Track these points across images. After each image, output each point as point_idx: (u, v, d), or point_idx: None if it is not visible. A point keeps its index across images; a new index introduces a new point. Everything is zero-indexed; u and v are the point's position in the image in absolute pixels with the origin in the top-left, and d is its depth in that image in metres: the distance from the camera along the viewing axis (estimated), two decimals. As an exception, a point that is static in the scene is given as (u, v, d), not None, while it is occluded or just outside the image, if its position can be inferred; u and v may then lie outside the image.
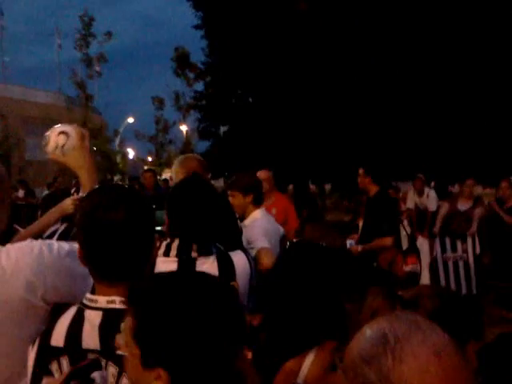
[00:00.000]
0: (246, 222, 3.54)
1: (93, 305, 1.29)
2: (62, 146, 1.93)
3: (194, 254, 1.92)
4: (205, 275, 1.12)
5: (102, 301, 1.29)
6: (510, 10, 13.32)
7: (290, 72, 13.80)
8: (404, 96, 13.57)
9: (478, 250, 5.97)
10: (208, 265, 1.92)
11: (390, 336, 0.84)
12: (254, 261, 3.27)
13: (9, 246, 1.51)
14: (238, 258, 2.07)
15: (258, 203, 3.57)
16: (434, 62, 13.53)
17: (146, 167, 7.54)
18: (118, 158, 27.58)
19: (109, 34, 26.12)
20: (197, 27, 17.01)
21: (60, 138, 1.94)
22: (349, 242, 5.17)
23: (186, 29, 18.80)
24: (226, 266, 1.97)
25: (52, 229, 2.29)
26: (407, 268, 5.48)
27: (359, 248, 4.84)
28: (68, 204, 2.15)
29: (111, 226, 1.28)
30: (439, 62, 13.52)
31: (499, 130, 13.60)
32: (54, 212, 2.19)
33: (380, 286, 1.67)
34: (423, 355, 0.81)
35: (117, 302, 1.28)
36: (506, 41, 13.38)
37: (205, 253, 1.95)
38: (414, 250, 5.65)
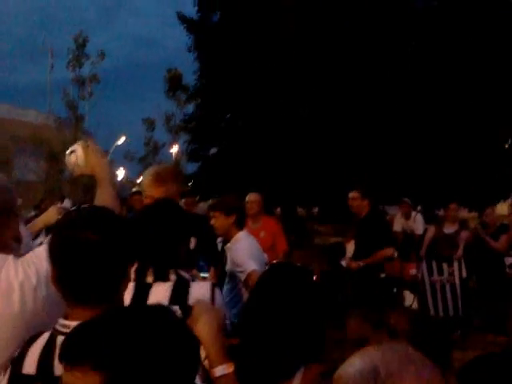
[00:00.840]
0: (230, 244, 3.52)
1: (65, 330, 1.23)
2: (76, 163, 2.02)
3: (149, 279, 1.87)
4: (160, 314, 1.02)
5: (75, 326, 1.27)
6: (492, 34, 13.62)
7: (278, 97, 13.95)
8: (390, 121, 13.74)
9: (464, 274, 6.01)
10: (161, 291, 1.84)
11: (382, 370, 0.81)
12: (234, 288, 3.29)
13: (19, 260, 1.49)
14: (198, 288, 1.91)
15: (240, 225, 3.58)
16: (418, 90, 13.74)
17: (134, 189, 7.51)
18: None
19: (102, 54, 26.29)
20: (190, 49, 17.16)
21: (71, 158, 2.02)
22: (343, 263, 5.37)
23: (180, 51, 18.98)
24: (180, 294, 1.84)
25: (37, 241, 2.30)
26: (412, 272, 6.19)
27: (360, 263, 4.99)
28: (52, 212, 2.15)
29: (83, 245, 1.24)
30: (422, 90, 13.73)
31: (484, 156, 13.80)
32: (38, 221, 2.20)
33: (360, 308, 1.67)
34: None
35: None
36: (486, 69, 13.66)
37: (161, 278, 1.87)
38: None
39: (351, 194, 5.23)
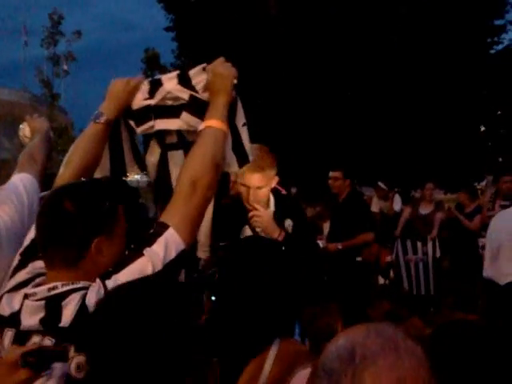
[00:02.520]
0: None
1: (33, 298, 1.30)
2: (25, 135, 2.16)
3: None
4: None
5: (43, 291, 1.29)
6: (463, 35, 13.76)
7: (259, 77, 13.86)
8: (367, 104, 13.79)
9: (438, 254, 6.12)
10: None
11: (358, 352, 0.76)
12: None
13: None
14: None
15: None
16: (395, 75, 13.80)
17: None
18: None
19: (78, 32, 25.70)
20: (167, 29, 16.93)
21: (20, 132, 2.20)
22: (320, 243, 5.36)
23: (157, 31, 18.65)
24: None
25: None
26: (388, 259, 6.27)
27: (339, 246, 4.96)
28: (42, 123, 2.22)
29: (58, 212, 1.33)
30: (400, 74, 13.80)
31: (460, 139, 13.96)
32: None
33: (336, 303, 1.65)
34: (386, 381, 0.73)
35: (59, 286, 1.28)
36: (462, 56, 13.79)
37: None
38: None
39: (333, 174, 5.14)
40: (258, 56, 13.95)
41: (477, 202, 6.75)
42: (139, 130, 1.86)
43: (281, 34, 14.06)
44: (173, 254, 1.38)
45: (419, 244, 6.13)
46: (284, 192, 2.94)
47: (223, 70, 1.74)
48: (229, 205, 3.09)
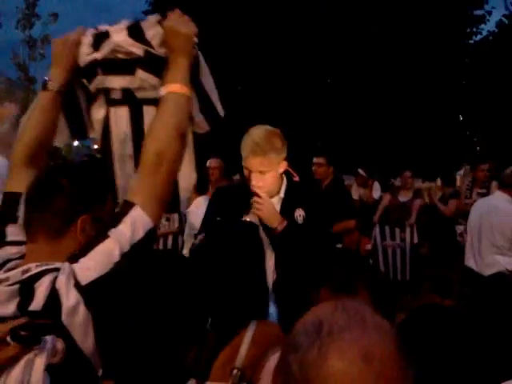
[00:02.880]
0: (190, 208, 3.59)
1: (6, 283, 1.26)
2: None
3: None
4: None
5: (16, 274, 1.26)
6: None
7: (239, 63, 13.78)
8: (347, 93, 13.84)
9: (415, 240, 6.19)
10: None
11: (325, 326, 0.77)
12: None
13: None
14: None
15: (200, 190, 3.63)
16: (375, 64, 13.86)
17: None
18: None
19: (54, 15, 25.15)
20: (146, 13, 16.68)
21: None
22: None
23: (136, 14, 18.32)
24: None
25: None
26: (368, 247, 6.27)
27: None
28: None
29: (50, 186, 1.36)
30: (380, 64, 13.86)
31: (439, 128, 14.11)
32: None
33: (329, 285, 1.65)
34: (350, 355, 0.73)
35: (32, 268, 1.26)
36: (440, 46, 13.91)
37: None
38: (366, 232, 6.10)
39: (317, 160, 5.15)
40: (238, 42, 13.84)
41: (453, 188, 6.86)
42: (92, 87, 1.72)
43: (262, 21, 13.97)
44: (141, 234, 1.33)
45: (397, 230, 6.21)
46: (297, 178, 2.81)
47: (181, 27, 1.60)
48: (232, 187, 3.04)
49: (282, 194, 2.61)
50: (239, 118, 14.75)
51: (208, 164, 5.08)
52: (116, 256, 1.28)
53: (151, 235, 1.37)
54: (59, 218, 1.34)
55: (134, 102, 1.68)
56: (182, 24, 1.62)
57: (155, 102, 1.62)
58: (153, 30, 1.63)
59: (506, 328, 1.18)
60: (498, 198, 4.17)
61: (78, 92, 1.77)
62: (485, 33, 18.66)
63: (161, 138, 1.44)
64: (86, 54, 1.67)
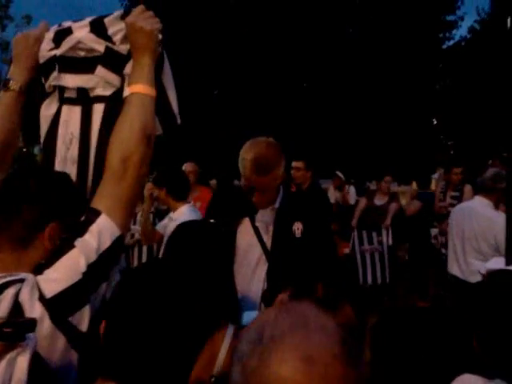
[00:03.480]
0: (174, 215, 3.54)
1: None
2: None
3: None
4: None
5: None
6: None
7: (215, 67, 13.76)
8: (324, 99, 13.94)
9: (390, 242, 6.23)
10: None
11: (267, 333, 0.74)
12: None
13: None
14: None
15: (178, 196, 3.58)
16: (351, 70, 14.01)
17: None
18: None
19: (27, 17, 24.83)
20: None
21: None
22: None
23: (110, 17, 18.24)
24: None
25: None
26: (346, 251, 6.21)
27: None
28: None
29: (16, 191, 1.29)
30: (355, 70, 14.01)
31: (413, 132, 14.30)
32: None
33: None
34: (292, 360, 0.71)
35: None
36: (414, 53, 14.14)
37: None
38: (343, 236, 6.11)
39: (295, 164, 5.11)
40: (215, 45, 13.81)
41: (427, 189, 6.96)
42: (47, 85, 1.60)
43: (238, 25, 13.98)
44: (108, 243, 1.28)
45: (374, 234, 6.23)
46: (293, 189, 2.73)
47: (145, 23, 1.50)
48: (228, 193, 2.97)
49: (276, 205, 2.54)
50: (216, 122, 14.74)
51: (183, 168, 5.03)
52: (82, 267, 1.23)
53: (119, 243, 1.32)
54: (26, 227, 1.27)
55: (87, 103, 1.58)
56: (145, 20, 1.52)
57: (105, 99, 1.55)
58: (115, 26, 1.54)
59: (489, 333, 1.19)
60: (478, 203, 4.13)
61: (36, 93, 1.65)
62: (457, 38, 19.06)
63: (126, 141, 1.37)
64: (47, 50, 1.58)
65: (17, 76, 1.60)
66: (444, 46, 18.45)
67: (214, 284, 1.29)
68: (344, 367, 0.72)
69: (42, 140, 1.63)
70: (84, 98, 1.58)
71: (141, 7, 1.55)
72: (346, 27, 14.60)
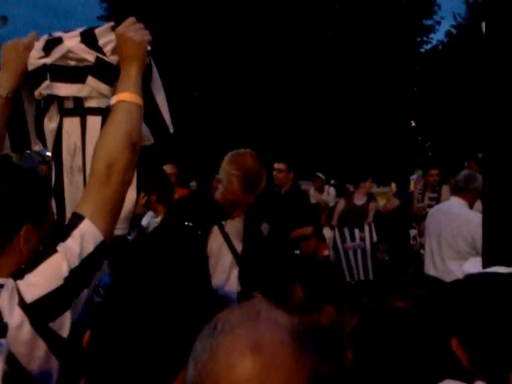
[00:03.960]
0: (158, 220, 3.50)
1: None
2: None
3: None
4: None
5: None
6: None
7: (196, 68, 13.72)
8: (302, 100, 14.00)
9: (375, 238, 6.26)
10: None
11: (219, 326, 0.75)
12: None
13: None
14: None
15: (165, 202, 3.56)
16: (333, 74, 14.11)
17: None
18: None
19: (3, 18, 24.44)
20: (101, 18, 16.47)
21: None
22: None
23: (90, 19, 18.07)
24: None
25: None
26: (325, 253, 6.01)
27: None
28: None
29: None
30: (337, 73, 14.12)
31: (392, 134, 14.46)
32: None
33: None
34: (239, 348, 0.72)
35: None
36: (393, 59, 14.30)
37: None
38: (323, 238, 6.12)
39: (277, 166, 5.07)
40: (196, 47, 13.78)
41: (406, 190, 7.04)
42: (36, 93, 1.62)
43: (219, 26, 13.96)
44: (90, 248, 1.27)
45: (356, 231, 6.25)
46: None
47: (134, 34, 1.53)
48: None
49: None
50: (196, 122, 14.70)
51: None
52: (64, 272, 1.21)
53: (102, 249, 1.31)
54: (0, 232, 1.23)
55: (83, 112, 1.62)
56: (134, 31, 1.55)
57: (99, 111, 1.59)
58: (106, 37, 1.57)
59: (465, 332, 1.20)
60: (453, 203, 4.20)
61: (24, 101, 1.68)
62: (434, 42, 19.36)
63: (111, 148, 1.39)
64: (36, 58, 1.59)
65: (4, 82, 1.60)
66: (422, 50, 18.72)
67: (195, 288, 1.28)
68: (293, 355, 0.72)
69: (51, 151, 1.68)
70: (81, 109, 1.62)
71: (132, 19, 1.57)
72: (326, 31, 14.69)
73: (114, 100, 1.48)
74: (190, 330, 1.09)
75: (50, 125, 1.68)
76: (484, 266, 2.18)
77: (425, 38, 18.62)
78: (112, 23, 1.60)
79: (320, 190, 8.23)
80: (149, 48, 1.56)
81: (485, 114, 2.02)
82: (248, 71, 13.90)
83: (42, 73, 1.58)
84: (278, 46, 13.97)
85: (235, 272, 2.48)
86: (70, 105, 1.64)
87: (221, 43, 13.85)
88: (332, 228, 6.62)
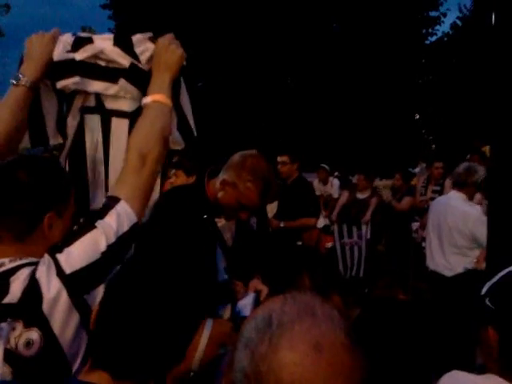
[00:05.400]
0: None
1: None
2: None
3: None
4: None
5: None
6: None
7: (197, 59, 13.67)
8: (308, 93, 13.96)
9: (368, 236, 6.28)
10: None
11: (275, 320, 0.76)
12: None
13: None
14: None
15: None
16: (337, 66, 14.05)
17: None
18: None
19: (6, 6, 24.34)
20: (104, 7, 16.42)
21: None
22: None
23: (93, 8, 18.00)
24: None
25: None
26: (328, 245, 6.22)
27: (281, 224, 4.94)
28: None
29: (11, 183, 1.30)
30: (342, 65, 14.06)
31: (396, 127, 14.42)
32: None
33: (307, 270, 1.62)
34: (301, 346, 0.73)
35: (6, 263, 1.25)
36: (397, 51, 14.23)
37: None
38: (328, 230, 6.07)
39: (280, 159, 5.04)
40: (199, 38, 13.71)
41: (408, 185, 7.01)
42: (59, 84, 1.71)
43: (223, 19, 13.90)
44: (125, 227, 1.36)
45: (354, 228, 6.28)
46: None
47: (176, 47, 1.69)
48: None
49: None
50: (198, 115, 14.65)
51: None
52: (103, 246, 1.29)
53: (135, 230, 1.39)
54: (24, 220, 1.30)
55: (104, 112, 1.76)
56: (176, 45, 1.70)
57: (127, 114, 1.73)
58: (143, 46, 1.70)
59: (461, 326, 1.20)
60: (453, 197, 4.18)
61: (41, 96, 1.76)
62: (440, 34, 19.22)
63: (145, 140, 1.51)
64: (63, 52, 1.68)
65: (28, 72, 1.66)
66: (427, 42, 18.60)
67: (202, 275, 1.28)
68: (350, 355, 0.74)
69: (68, 147, 1.81)
70: (102, 108, 1.76)
71: (171, 34, 1.73)
72: (330, 23, 14.61)
73: (148, 99, 1.62)
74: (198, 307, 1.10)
75: (73, 120, 1.80)
76: (488, 259, 2.18)
77: (430, 30, 18.50)
78: (150, 34, 1.73)
79: (324, 182, 8.23)
80: (184, 63, 1.72)
81: (490, 107, 2.01)
82: (251, 63, 13.85)
83: (68, 67, 1.68)
84: (282, 38, 13.90)
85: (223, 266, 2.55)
86: (91, 103, 1.76)
87: (224, 35, 13.79)
88: (325, 217, 6.65)
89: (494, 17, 1.83)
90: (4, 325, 1.14)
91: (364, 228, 6.26)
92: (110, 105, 1.74)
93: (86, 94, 1.75)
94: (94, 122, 1.77)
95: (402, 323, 1.46)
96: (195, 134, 1.89)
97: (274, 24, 13.90)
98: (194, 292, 1.12)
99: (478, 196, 4.40)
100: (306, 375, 0.71)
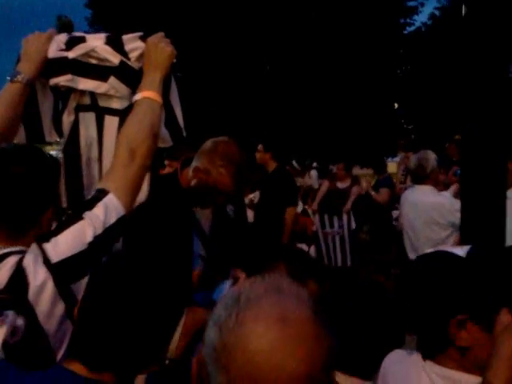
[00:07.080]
0: None
1: None
2: None
3: None
4: None
5: None
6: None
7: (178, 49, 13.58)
8: (285, 82, 13.95)
9: (353, 226, 6.34)
10: None
11: (243, 297, 0.79)
12: None
13: None
14: None
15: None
16: (315, 56, 14.05)
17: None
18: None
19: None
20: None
21: None
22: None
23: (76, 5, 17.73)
24: None
25: None
26: (314, 228, 6.39)
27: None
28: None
29: (8, 177, 1.30)
30: (319, 55, 14.06)
31: (375, 116, 14.53)
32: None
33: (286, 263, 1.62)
34: (266, 319, 0.75)
35: None
36: (376, 41, 14.28)
37: None
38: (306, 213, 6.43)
39: (258, 147, 5.32)
40: (176, 29, 13.59)
41: (383, 175, 7.10)
42: (51, 81, 1.77)
43: (199, 8, 13.78)
44: (113, 219, 1.38)
45: (335, 218, 6.34)
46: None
47: (166, 45, 1.73)
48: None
49: None
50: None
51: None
52: (89, 236, 1.31)
53: (122, 223, 1.41)
54: (23, 219, 1.32)
55: (99, 109, 1.80)
56: (166, 43, 1.75)
57: (118, 112, 1.77)
58: (133, 44, 1.74)
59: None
60: (419, 193, 4.09)
61: (38, 94, 1.81)
62: (418, 24, 19.35)
63: (135, 136, 1.53)
64: (57, 50, 1.74)
65: (24, 70, 1.71)
66: (405, 32, 18.70)
67: (179, 266, 1.31)
68: (315, 329, 0.76)
69: (63, 144, 1.85)
70: (97, 106, 1.81)
71: (161, 33, 1.77)
72: (309, 12, 14.59)
73: (138, 96, 1.65)
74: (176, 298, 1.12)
75: (68, 118, 1.84)
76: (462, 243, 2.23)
77: (408, 20, 18.60)
78: (140, 33, 1.78)
79: (298, 176, 8.31)
80: (174, 61, 1.76)
81: (465, 96, 2.05)
82: (230, 52, 13.78)
83: (61, 64, 1.74)
84: (260, 27, 13.85)
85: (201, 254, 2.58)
86: (86, 101, 1.81)
87: (200, 23, 13.68)
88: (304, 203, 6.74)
89: (463, 8, 1.87)
90: (10, 312, 1.16)
91: (345, 218, 6.32)
92: (102, 103, 1.79)
93: (82, 92, 1.80)
94: (89, 119, 1.82)
95: (361, 296, 1.49)
96: (184, 133, 1.92)
97: (252, 12, 13.84)
98: (171, 284, 1.14)
99: (453, 187, 4.44)
100: (271, 345, 0.73)
